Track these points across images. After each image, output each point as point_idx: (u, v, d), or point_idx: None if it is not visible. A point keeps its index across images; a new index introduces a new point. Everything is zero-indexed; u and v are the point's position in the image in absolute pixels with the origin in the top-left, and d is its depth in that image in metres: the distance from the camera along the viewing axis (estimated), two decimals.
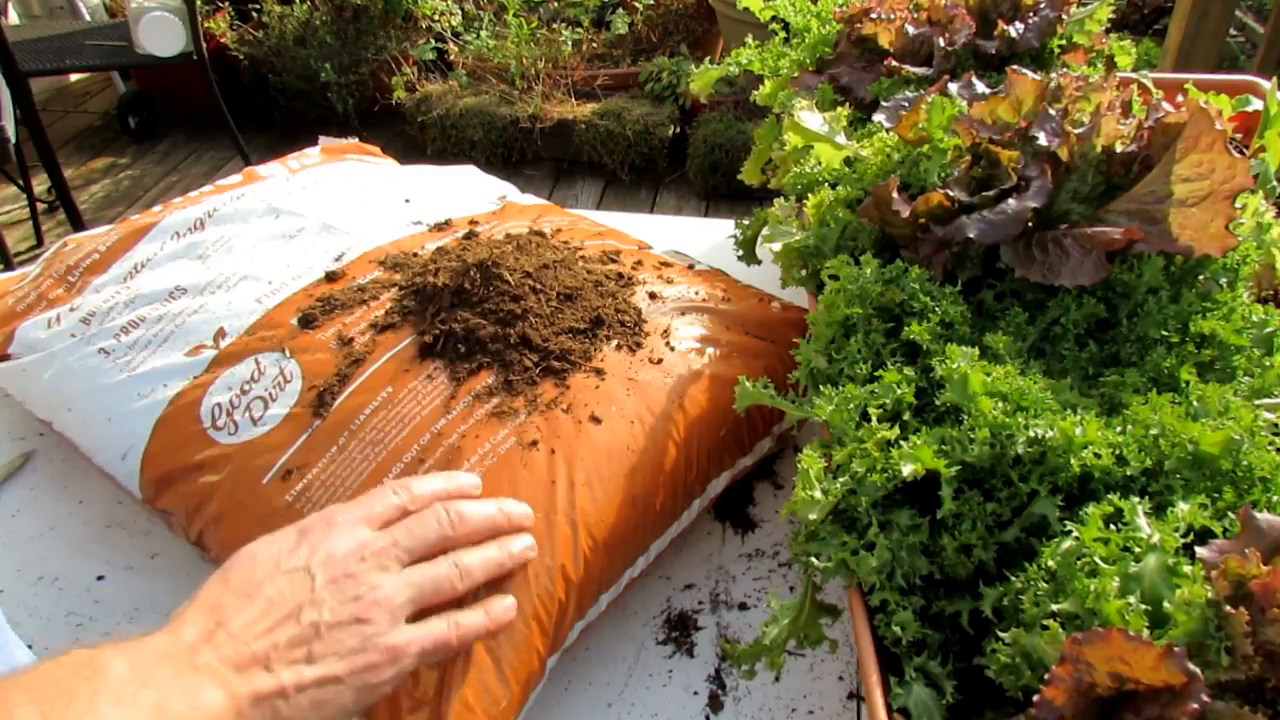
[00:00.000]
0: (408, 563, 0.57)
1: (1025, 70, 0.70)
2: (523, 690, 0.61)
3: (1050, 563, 0.46)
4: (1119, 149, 0.63)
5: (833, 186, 0.76)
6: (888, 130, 0.75)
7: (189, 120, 4.04)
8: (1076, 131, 0.64)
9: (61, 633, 0.73)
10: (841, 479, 0.53)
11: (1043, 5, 0.92)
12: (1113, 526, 0.47)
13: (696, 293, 0.84)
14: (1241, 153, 0.58)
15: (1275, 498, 0.48)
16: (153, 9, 2.78)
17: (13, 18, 3.82)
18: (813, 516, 0.53)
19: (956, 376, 0.54)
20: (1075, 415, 0.51)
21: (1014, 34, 0.89)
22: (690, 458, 0.72)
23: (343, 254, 0.86)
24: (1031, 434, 0.50)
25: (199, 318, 0.80)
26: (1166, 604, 0.42)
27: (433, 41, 3.75)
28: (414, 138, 3.62)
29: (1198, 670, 0.38)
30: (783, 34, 1.05)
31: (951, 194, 0.64)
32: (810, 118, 0.81)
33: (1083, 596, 0.43)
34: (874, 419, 0.55)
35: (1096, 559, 0.45)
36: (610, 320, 0.77)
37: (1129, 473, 0.50)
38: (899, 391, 0.56)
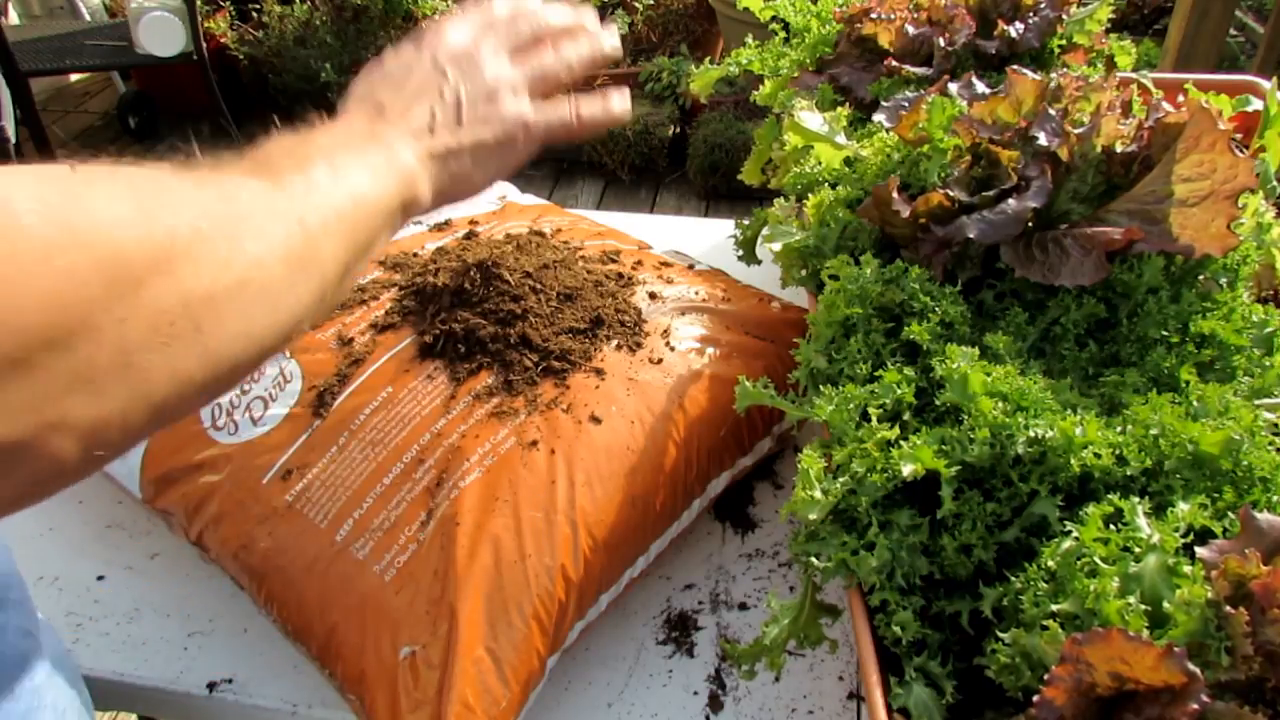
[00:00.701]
0: (514, 52, 0.65)
1: (1025, 70, 0.70)
2: (523, 690, 0.61)
3: (1050, 563, 0.46)
4: (1119, 149, 0.63)
5: (833, 186, 0.76)
6: (888, 130, 0.75)
7: (189, 120, 4.04)
8: (1076, 131, 0.64)
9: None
10: (841, 479, 0.53)
11: (1043, 5, 0.92)
12: (1113, 526, 0.47)
13: (696, 293, 0.84)
14: (1243, 153, 0.58)
15: (1275, 498, 0.48)
16: (153, 9, 2.78)
17: (13, 18, 3.82)
18: (813, 516, 0.53)
19: (956, 376, 0.54)
20: (1075, 415, 0.51)
21: (1014, 34, 0.89)
22: (690, 458, 0.72)
23: None
24: (1031, 434, 0.50)
25: None
26: (1166, 604, 0.42)
27: None
28: None
29: (1198, 670, 0.37)
30: (783, 34, 1.05)
31: (951, 194, 0.64)
32: (810, 118, 0.81)
33: (1083, 596, 0.43)
34: (874, 419, 0.55)
35: (1096, 559, 0.45)
36: (610, 320, 0.77)
37: (1129, 473, 0.50)
38: (899, 391, 0.56)
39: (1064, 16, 0.91)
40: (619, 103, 0.67)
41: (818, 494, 0.53)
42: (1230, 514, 0.47)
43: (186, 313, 0.38)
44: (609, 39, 0.70)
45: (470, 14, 0.66)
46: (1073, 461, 0.50)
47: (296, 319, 0.45)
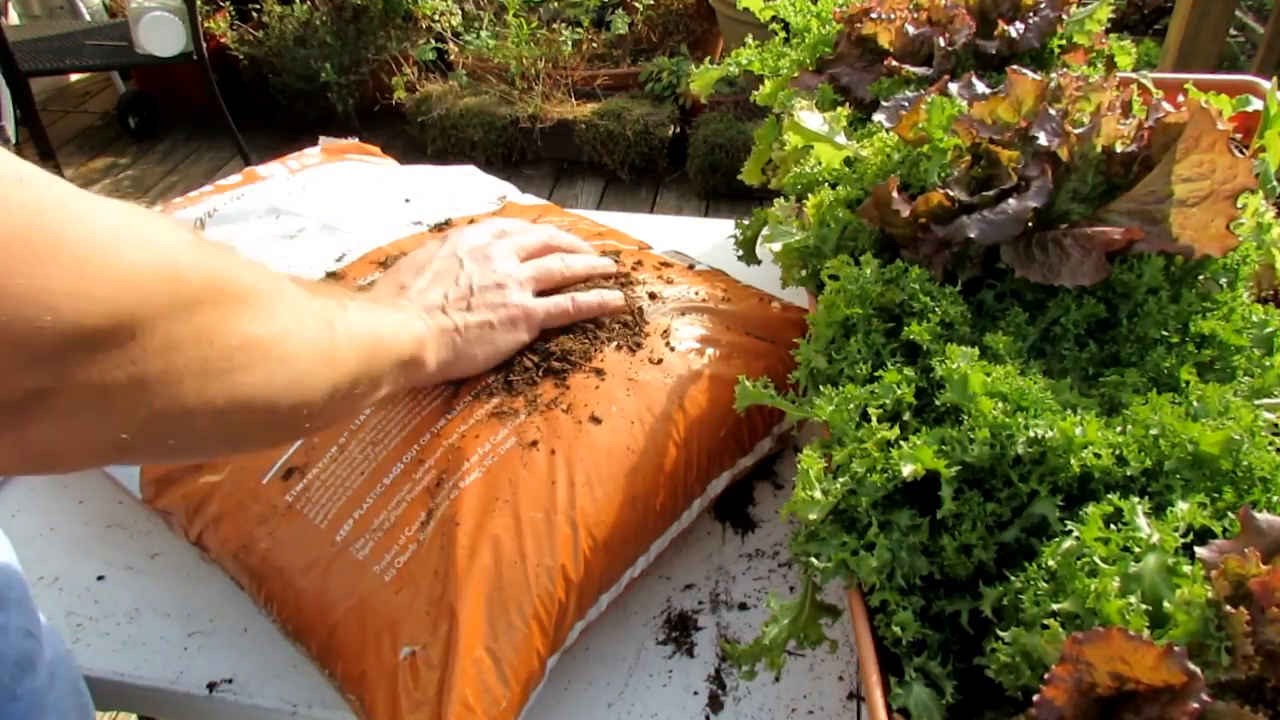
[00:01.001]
0: (524, 259, 0.77)
1: (1025, 70, 0.70)
2: (523, 690, 0.61)
3: (1050, 563, 0.46)
4: (1119, 149, 0.63)
5: (833, 186, 0.76)
6: (888, 130, 0.75)
7: (189, 120, 4.04)
8: (1076, 131, 0.64)
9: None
10: (841, 479, 0.53)
11: (1043, 5, 0.92)
12: (1113, 526, 0.47)
13: (696, 293, 0.84)
14: (1243, 153, 0.58)
15: (1275, 498, 0.48)
16: (153, 9, 2.78)
17: (13, 18, 3.82)
18: (813, 516, 0.53)
19: (956, 376, 0.54)
20: (1075, 415, 0.51)
21: (1014, 34, 0.89)
22: (690, 458, 0.72)
23: (343, 254, 0.86)
24: (1031, 434, 0.50)
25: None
26: (1166, 604, 0.42)
27: (433, 41, 3.75)
28: (414, 138, 3.62)
29: (1198, 670, 0.38)
30: (783, 34, 1.05)
31: (951, 194, 0.64)
32: (810, 118, 0.81)
33: (1083, 596, 0.43)
34: (874, 419, 0.55)
35: (1096, 559, 0.45)
36: (610, 320, 0.77)
37: (1129, 473, 0.50)
38: (899, 391, 0.56)
39: (1064, 16, 0.91)
40: (611, 296, 0.78)
41: (818, 494, 0.53)
42: (1230, 514, 0.47)
43: (226, 346, 0.43)
44: (605, 261, 0.83)
45: (490, 222, 0.79)
46: (1073, 461, 0.50)
47: (306, 402, 0.50)
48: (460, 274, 0.71)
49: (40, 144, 2.76)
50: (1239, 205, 0.59)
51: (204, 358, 0.42)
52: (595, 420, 0.70)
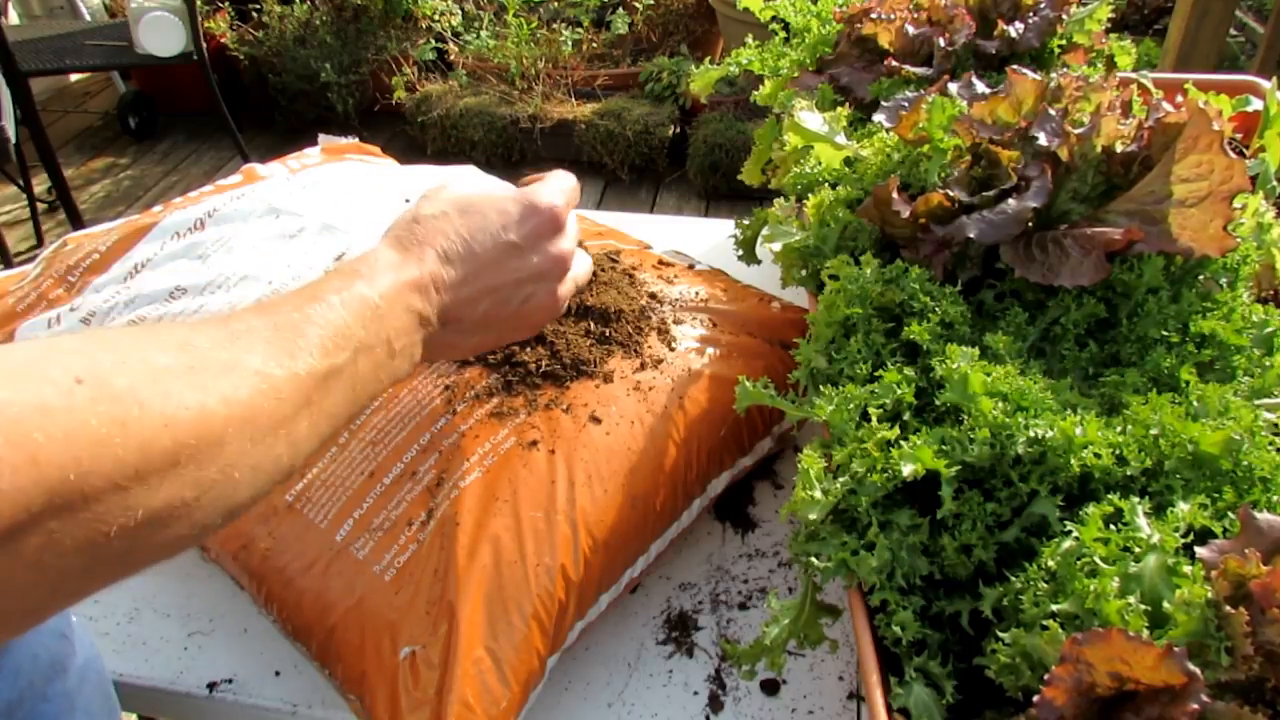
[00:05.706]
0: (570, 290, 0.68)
1: (1025, 70, 0.70)
2: (523, 690, 0.61)
3: (1050, 563, 0.46)
4: (1119, 149, 0.63)
5: (833, 186, 0.76)
6: (888, 130, 0.75)
7: (189, 120, 4.04)
8: (1076, 131, 0.64)
9: None
10: (841, 479, 0.53)
11: (1043, 5, 0.92)
12: (1113, 526, 0.47)
13: (696, 293, 0.84)
14: (1241, 154, 0.58)
15: (1275, 498, 0.48)
16: (153, 9, 2.78)
17: (13, 18, 3.82)
18: (813, 516, 0.53)
19: (956, 376, 0.54)
20: (1075, 415, 0.51)
21: (1014, 34, 0.89)
22: (690, 458, 0.72)
23: (343, 254, 0.86)
24: (1031, 434, 0.50)
25: (199, 318, 0.80)
26: (1166, 604, 0.42)
27: (433, 41, 3.75)
28: (414, 138, 3.62)
29: (1198, 670, 0.38)
30: (783, 34, 1.05)
31: (951, 194, 0.64)
32: (810, 118, 0.81)
33: (1083, 596, 0.43)
34: (874, 419, 0.55)
35: (1096, 559, 0.45)
36: (618, 328, 0.77)
37: (1129, 473, 0.50)
38: (899, 391, 0.56)
39: (1064, 16, 0.91)
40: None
41: (818, 494, 0.53)
42: (1230, 514, 0.47)
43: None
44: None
45: (570, 231, 0.67)
46: (1073, 461, 0.50)
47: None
48: (505, 289, 0.62)
49: (40, 144, 2.76)
50: (1237, 205, 0.59)
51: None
52: (595, 420, 0.70)
